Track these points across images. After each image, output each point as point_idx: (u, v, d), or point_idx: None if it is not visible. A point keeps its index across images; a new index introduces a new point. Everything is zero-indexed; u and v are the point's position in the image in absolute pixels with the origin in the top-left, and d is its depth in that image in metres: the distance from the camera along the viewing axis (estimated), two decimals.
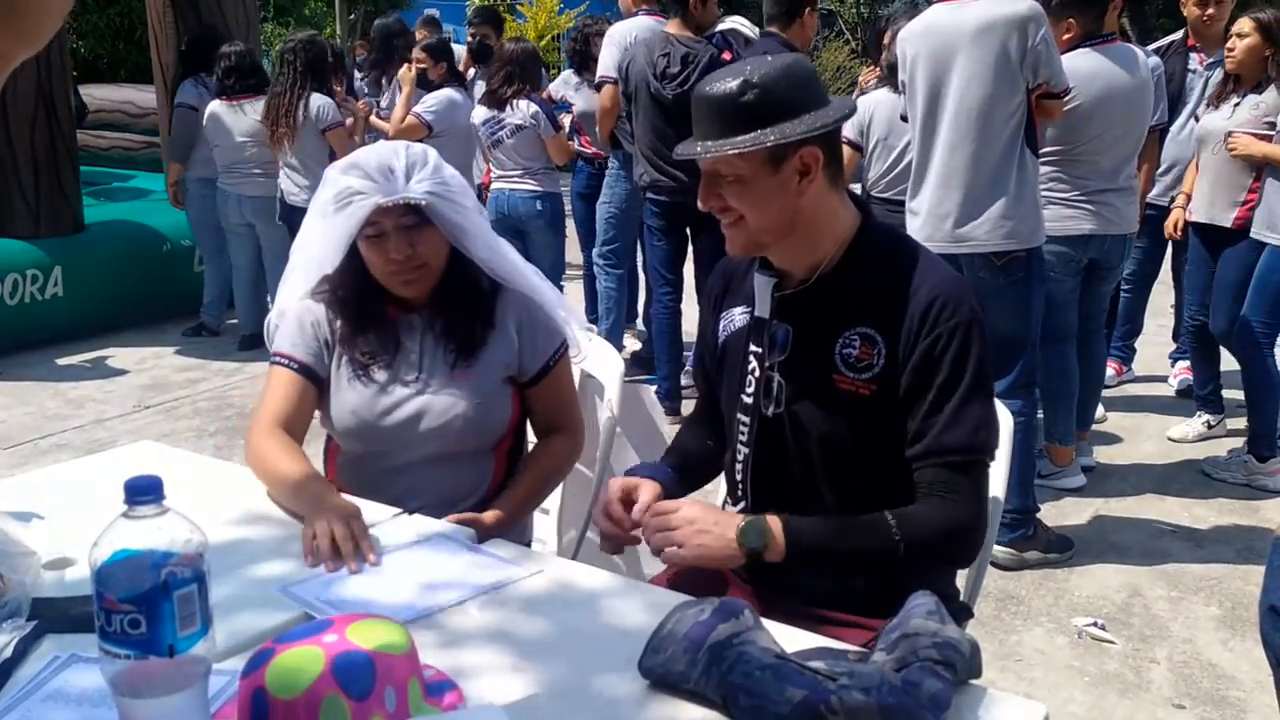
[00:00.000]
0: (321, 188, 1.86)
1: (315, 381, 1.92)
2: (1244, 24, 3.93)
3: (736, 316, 1.72)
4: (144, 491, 0.99)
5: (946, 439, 1.51)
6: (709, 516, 1.53)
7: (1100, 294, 3.86)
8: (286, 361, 1.91)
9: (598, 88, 4.96)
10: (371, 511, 1.70)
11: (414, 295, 1.90)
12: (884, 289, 1.56)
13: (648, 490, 1.64)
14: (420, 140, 5.13)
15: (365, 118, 5.88)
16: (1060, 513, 3.70)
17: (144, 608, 0.96)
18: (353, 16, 20.79)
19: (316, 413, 1.95)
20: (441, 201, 1.82)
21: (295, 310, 1.95)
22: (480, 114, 5.19)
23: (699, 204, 1.60)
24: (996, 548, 3.35)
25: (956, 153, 3.12)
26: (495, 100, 5.11)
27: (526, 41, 5.74)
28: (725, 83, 1.51)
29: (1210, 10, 4.55)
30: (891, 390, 1.54)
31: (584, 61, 5.72)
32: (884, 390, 1.54)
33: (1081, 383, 3.82)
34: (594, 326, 5.39)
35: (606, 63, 4.84)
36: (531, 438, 2.10)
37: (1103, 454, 4.22)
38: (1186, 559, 3.42)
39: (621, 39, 4.84)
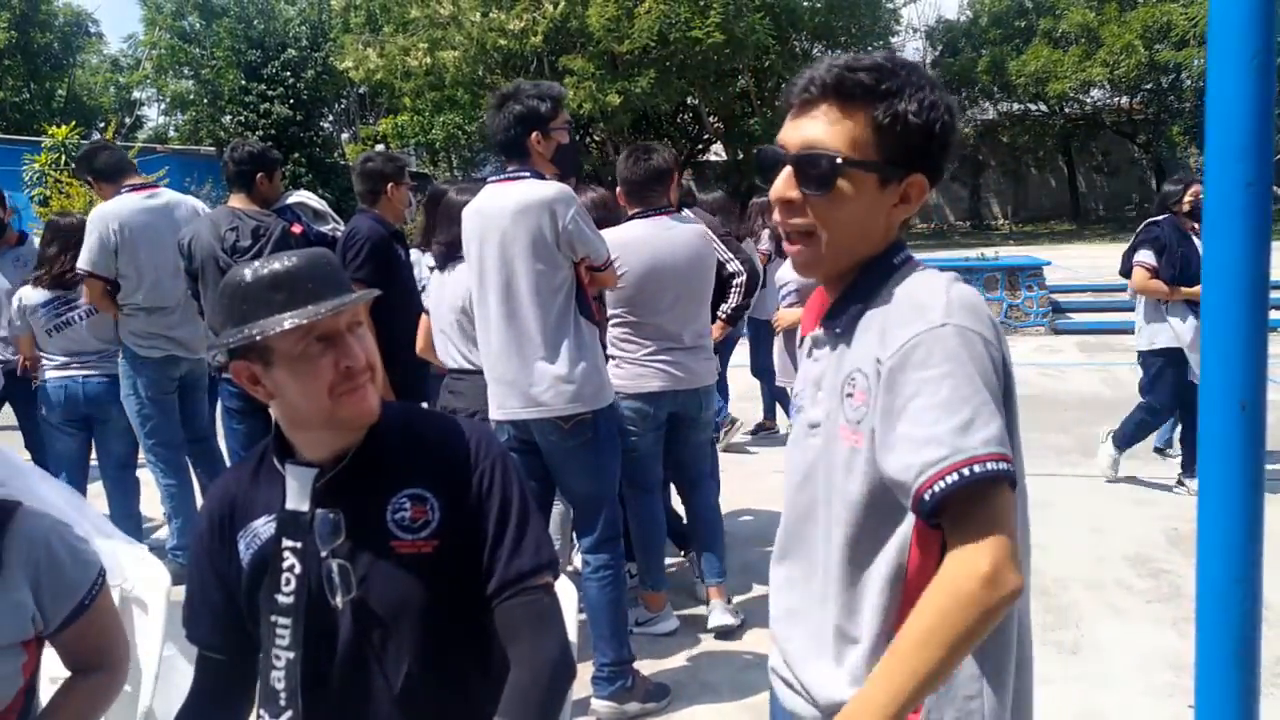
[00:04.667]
0: None
1: None
2: None
3: (260, 528, 1.63)
4: None
5: (516, 566, 1.58)
6: None
7: (695, 443, 4.00)
8: None
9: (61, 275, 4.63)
10: None
11: None
12: (419, 450, 1.61)
13: None
14: None
15: None
16: (657, 659, 3.82)
17: None
18: None
19: None
20: None
21: None
22: (38, 296, 4.66)
23: (356, 367, 1.56)
24: (598, 702, 3.38)
25: (511, 324, 3.23)
26: (60, 281, 4.64)
27: (78, 214, 5.32)
28: (307, 256, 1.55)
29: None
30: (455, 539, 1.57)
31: None
32: (446, 543, 1.56)
33: (698, 529, 4.05)
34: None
35: (83, 257, 4.46)
36: (47, 685, 1.81)
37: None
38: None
39: (100, 225, 4.46)
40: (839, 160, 1.33)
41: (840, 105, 1.34)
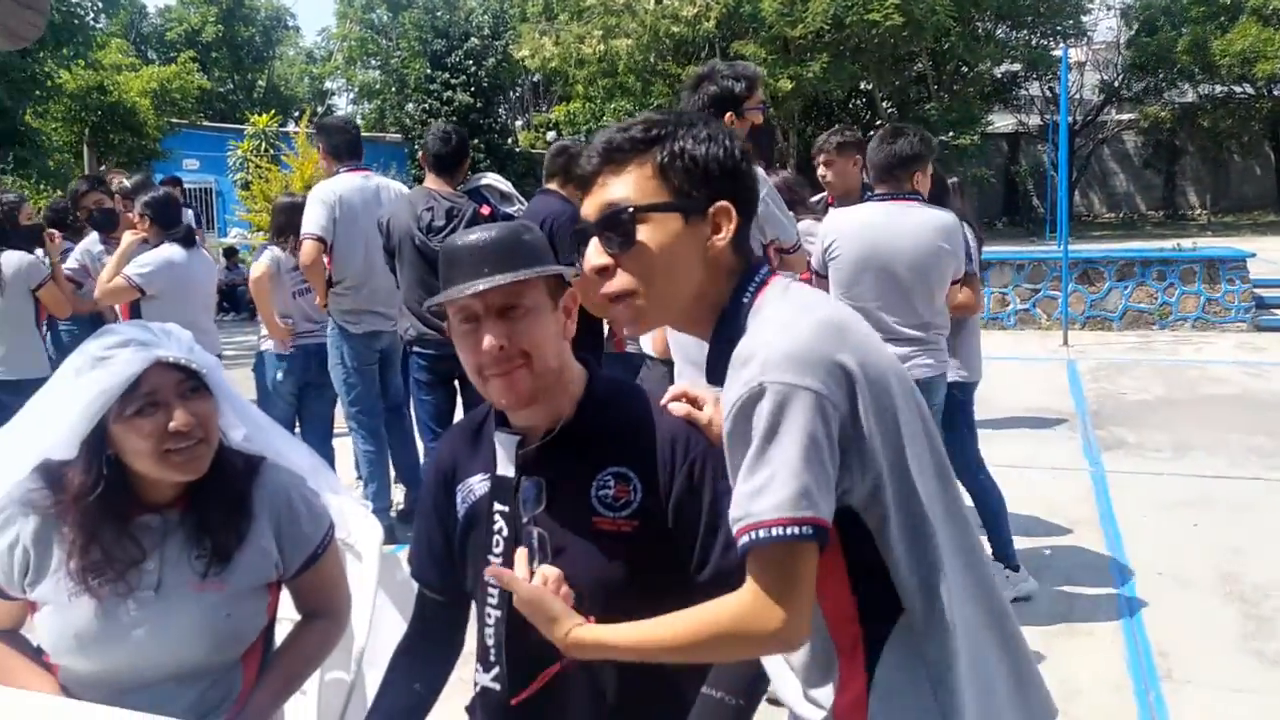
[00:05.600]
0: (75, 354, 1.68)
1: (4, 597, 1.73)
2: None
3: (475, 485, 1.70)
4: None
5: (732, 556, 1.52)
6: None
7: None
8: None
9: (296, 246, 4.88)
10: None
11: (193, 476, 1.69)
12: (626, 430, 1.63)
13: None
14: (133, 302, 4.94)
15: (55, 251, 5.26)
16: None
17: None
18: (104, 167, 19.96)
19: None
20: (216, 371, 1.72)
21: (3, 512, 1.71)
22: (290, 261, 5.04)
23: (483, 351, 1.57)
24: None
25: None
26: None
27: (294, 194, 5.71)
28: (498, 228, 1.60)
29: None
30: (653, 523, 1.58)
31: None
32: (645, 525, 1.58)
33: None
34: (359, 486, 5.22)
35: (308, 221, 4.78)
36: (282, 627, 1.96)
37: None
38: None
39: (325, 196, 4.81)
40: (631, 210, 1.35)
41: (619, 165, 1.38)
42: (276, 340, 5.01)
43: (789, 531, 1.22)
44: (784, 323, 1.30)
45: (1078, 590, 4.22)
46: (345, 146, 5.03)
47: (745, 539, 1.25)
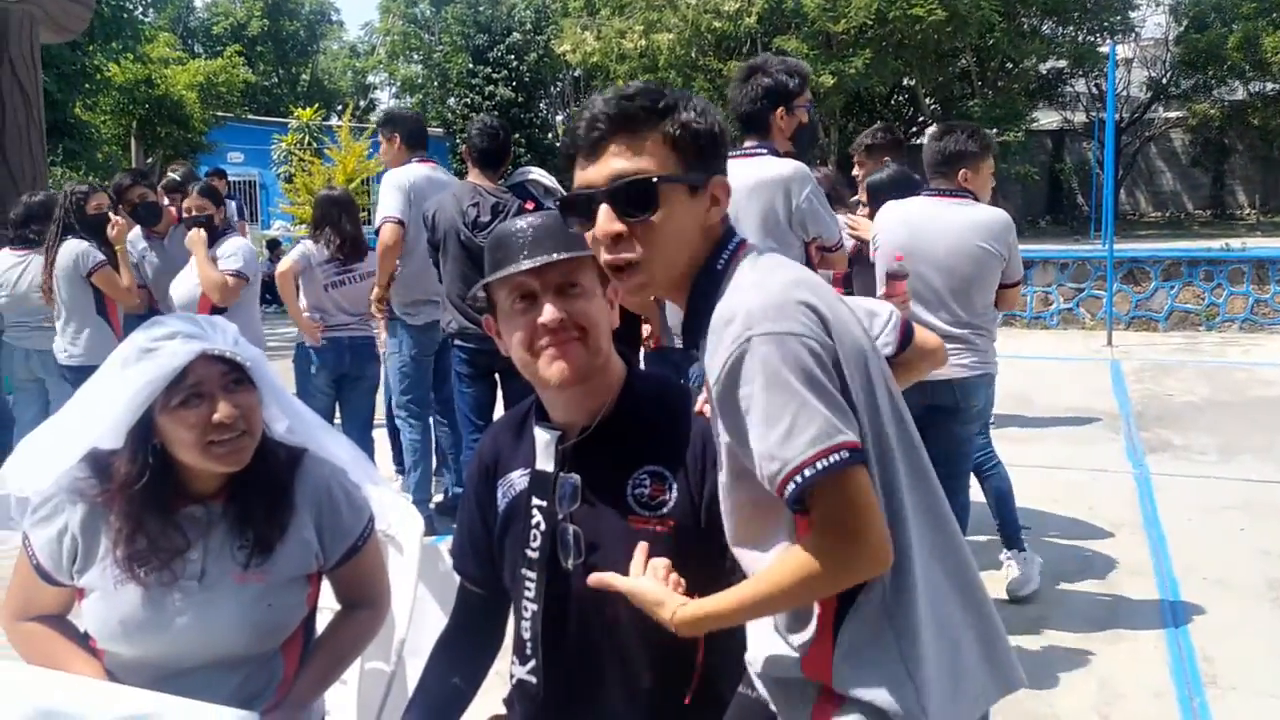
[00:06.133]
0: (122, 345, 1.71)
1: (53, 583, 1.76)
2: None
3: (516, 480, 1.72)
4: None
5: None
6: None
7: (953, 437, 3.62)
8: (31, 554, 1.75)
9: (378, 229, 4.94)
10: None
11: (235, 467, 1.72)
12: (662, 428, 1.63)
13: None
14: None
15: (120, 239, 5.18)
16: None
17: None
18: (150, 160, 20.28)
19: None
20: (260, 364, 1.74)
21: (52, 500, 1.75)
22: (322, 253, 5.05)
23: (541, 323, 1.58)
24: None
25: None
26: (342, 247, 5.05)
27: (335, 187, 5.76)
28: (548, 214, 1.63)
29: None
30: (688, 523, 1.58)
31: None
32: (680, 525, 1.57)
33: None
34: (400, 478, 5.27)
35: (389, 205, 4.86)
36: (322, 616, 1.98)
37: None
38: None
39: (401, 183, 4.90)
40: (654, 180, 1.37)
41: (631, 133, 1.39)
42: (306, 334, 5.05)
43: (831, 461, 1.24)
44: (756, 282, 1.36)
45: (1120, 594, 4.16)
46: (418, 137, 5.16)
47: (791, 485, 1.26)
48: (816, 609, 1.38)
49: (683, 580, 1.45)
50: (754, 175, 3.19)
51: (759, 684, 1.50)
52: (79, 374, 4.61)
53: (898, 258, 3.19)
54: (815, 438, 1.24)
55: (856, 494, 1.27)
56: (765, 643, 1.48)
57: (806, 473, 1.24)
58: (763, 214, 3.17)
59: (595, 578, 1.52)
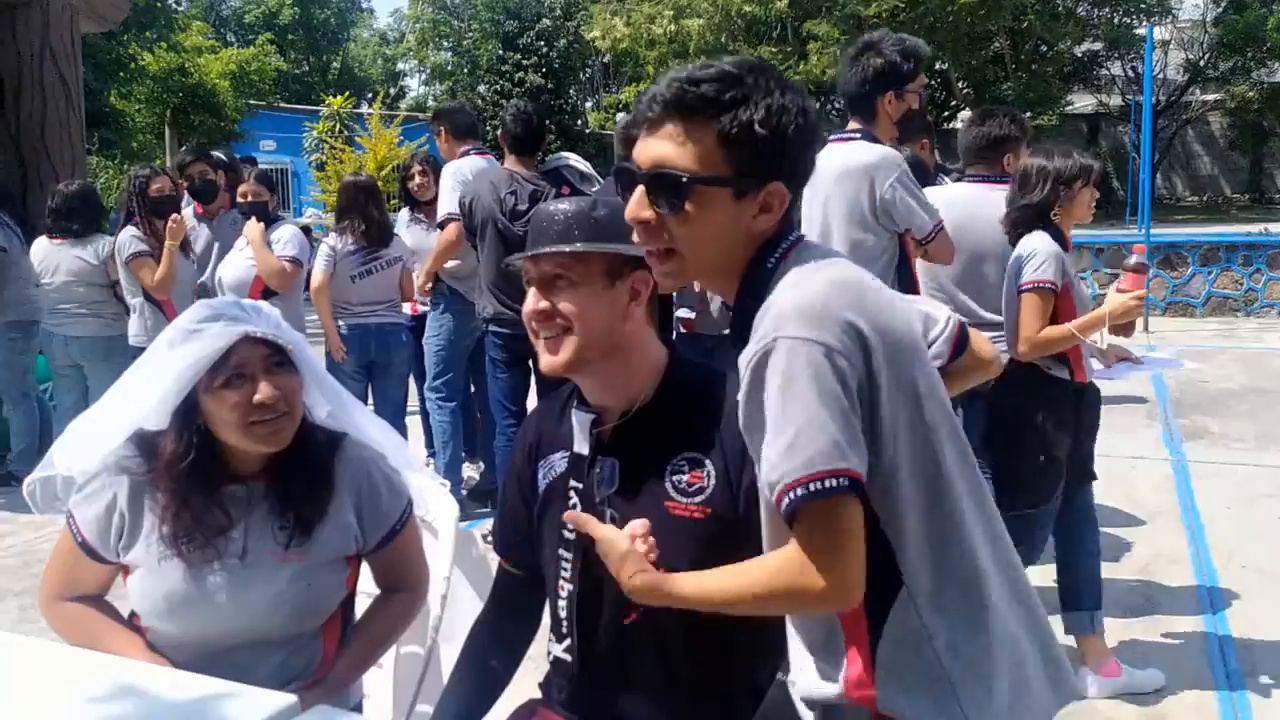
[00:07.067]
0: (169, 327, 1.75)
1: (98, 560, 1.79)
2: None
3: (556, 462, 1.72)
4: None
5: None
6: None
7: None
8: (76, 531, 1.78)
9: (441, 225, 4.96)
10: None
11: (276, 447, 1.74)
12: (702, 415, 1.62)
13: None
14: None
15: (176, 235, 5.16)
16: None
17: None
18: (183, 149, 20.43)
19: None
20: (302, 347, 1.77)
21: (99, 477, 1.79)
22: (348, 244, 5.04)
23: (525, 312, 1.63)
24: None
25: None
26: (368, 234, 5.06)
27: (358, 174, 5.76)
28: (576, 200, 1.63)
29: None
30: (725, 510, 1.57)
31: (411, 199, 5.70)
32: (717, 511, 1.57)
33: None
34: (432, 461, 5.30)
35: (449, 201, 4.88)
36: (361, 601, 2.00)
37: None
38: None
39: (457, 176, 4.91)
40: (685, 179, 1.31)
41: (684, 121, 1.32)
42: (333, 350, 5.02)
43: (826, 485, 1.20)
44: (796, 281, 1.31)
45: (1157, 582, 4.12)
46: (468, 128, 5.15)
47: (786, 500, 1.22)
48: (843, 635, 1.35)
49: (655, 550, 1.42)
50: (841, 162, 3.07)
51: (801, 708, 1.48)
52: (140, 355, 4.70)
53: (1137, 249, 3.10)
54: (814, 458, 1.20)
55: (840, 524, 1.23)
56: (805, 667, 1.44)
57: (799, 490, 1.21)
58: (849, 204, 3.07)
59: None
